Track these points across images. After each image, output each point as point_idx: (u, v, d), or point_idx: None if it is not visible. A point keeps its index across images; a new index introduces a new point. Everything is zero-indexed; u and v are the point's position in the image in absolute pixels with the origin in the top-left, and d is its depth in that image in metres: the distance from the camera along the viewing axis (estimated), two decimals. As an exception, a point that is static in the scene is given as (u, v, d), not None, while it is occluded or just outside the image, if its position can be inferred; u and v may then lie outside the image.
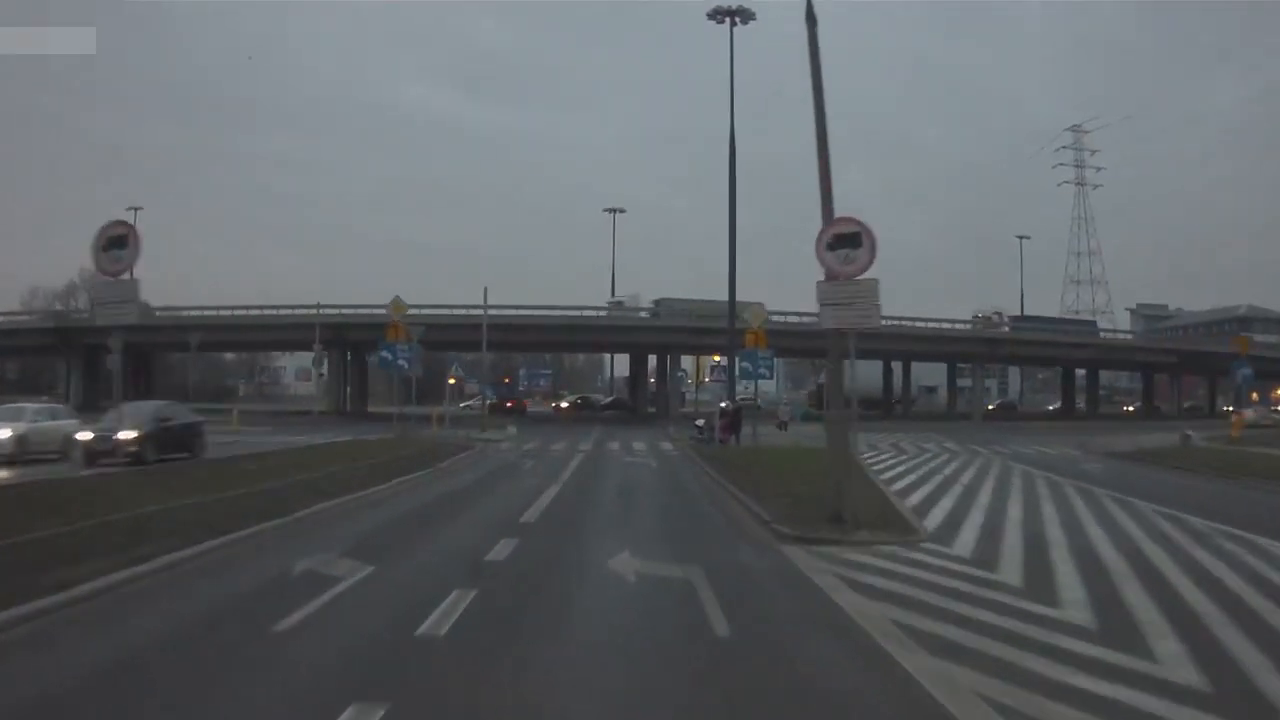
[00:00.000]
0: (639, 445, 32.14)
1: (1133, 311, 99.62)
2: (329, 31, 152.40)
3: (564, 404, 78.43)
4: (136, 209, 62.33)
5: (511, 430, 42.30)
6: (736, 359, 27.47)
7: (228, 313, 56.11)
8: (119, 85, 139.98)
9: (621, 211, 76.00)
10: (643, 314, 62.66)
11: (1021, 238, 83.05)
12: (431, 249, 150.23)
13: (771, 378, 26.54)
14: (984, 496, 16.27)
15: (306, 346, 51.12)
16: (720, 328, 55.63)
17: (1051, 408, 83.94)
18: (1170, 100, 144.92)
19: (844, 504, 11.17)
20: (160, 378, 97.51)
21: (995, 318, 69.59)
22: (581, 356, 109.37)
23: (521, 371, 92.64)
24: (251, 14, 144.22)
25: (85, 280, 79.00)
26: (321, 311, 52.05)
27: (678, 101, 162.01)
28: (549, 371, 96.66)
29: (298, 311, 54.59)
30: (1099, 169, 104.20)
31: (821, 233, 10.97)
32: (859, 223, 10.86)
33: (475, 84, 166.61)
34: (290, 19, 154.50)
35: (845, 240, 10.77)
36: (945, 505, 14.81)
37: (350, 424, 44.74)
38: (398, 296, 28.61)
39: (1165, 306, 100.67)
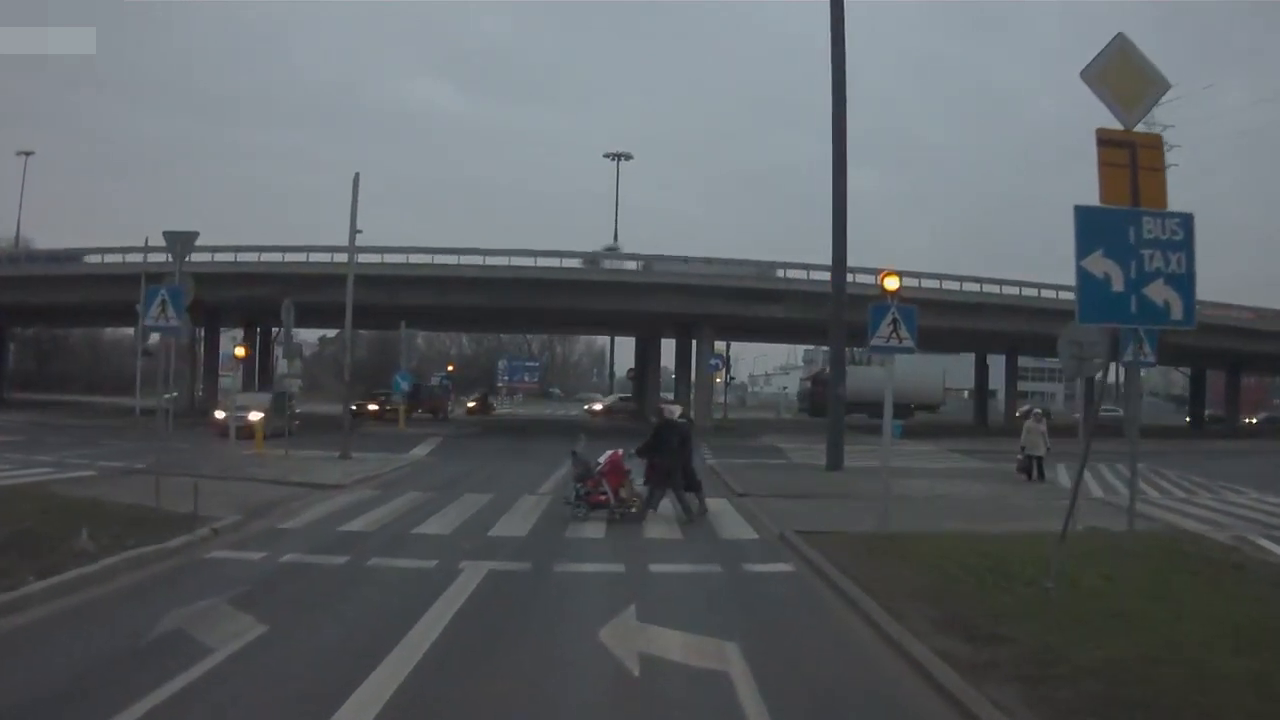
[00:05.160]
0: (655, 523, 13.21)
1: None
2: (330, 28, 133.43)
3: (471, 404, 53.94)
4: (27, 154, 55.75)
5: (417, 453, 23.45)
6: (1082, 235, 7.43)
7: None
8: (118, 77, 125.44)
9: (628, 158, 58.26)
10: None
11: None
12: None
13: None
14: None
15: (127, 315, 31.75)
16: (774, 287, 37.51)
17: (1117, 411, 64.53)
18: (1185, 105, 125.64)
19: None
20: (52, 363, 79.13)
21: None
22: (581, 345, 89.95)
23: (501, 363, 73.44)
24: (250, 8, 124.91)
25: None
26: (150, 259, 32.49)
27: (683, 99, 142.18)
28: (535, 364, 77.07)
29: (128, 259, 34.65)
30: (1172, 147, 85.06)
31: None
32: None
33: (473, 80, 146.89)
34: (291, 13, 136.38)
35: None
36: None
37: (179, 434, 24.50)
38: None
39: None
